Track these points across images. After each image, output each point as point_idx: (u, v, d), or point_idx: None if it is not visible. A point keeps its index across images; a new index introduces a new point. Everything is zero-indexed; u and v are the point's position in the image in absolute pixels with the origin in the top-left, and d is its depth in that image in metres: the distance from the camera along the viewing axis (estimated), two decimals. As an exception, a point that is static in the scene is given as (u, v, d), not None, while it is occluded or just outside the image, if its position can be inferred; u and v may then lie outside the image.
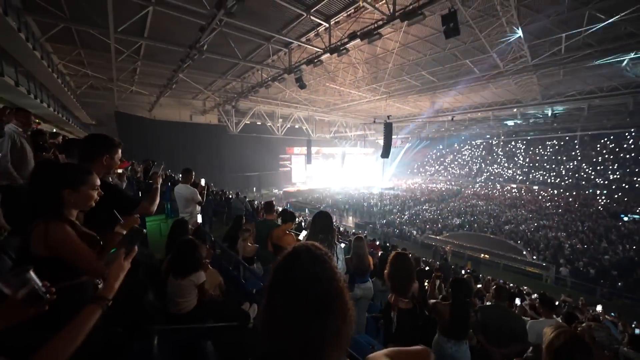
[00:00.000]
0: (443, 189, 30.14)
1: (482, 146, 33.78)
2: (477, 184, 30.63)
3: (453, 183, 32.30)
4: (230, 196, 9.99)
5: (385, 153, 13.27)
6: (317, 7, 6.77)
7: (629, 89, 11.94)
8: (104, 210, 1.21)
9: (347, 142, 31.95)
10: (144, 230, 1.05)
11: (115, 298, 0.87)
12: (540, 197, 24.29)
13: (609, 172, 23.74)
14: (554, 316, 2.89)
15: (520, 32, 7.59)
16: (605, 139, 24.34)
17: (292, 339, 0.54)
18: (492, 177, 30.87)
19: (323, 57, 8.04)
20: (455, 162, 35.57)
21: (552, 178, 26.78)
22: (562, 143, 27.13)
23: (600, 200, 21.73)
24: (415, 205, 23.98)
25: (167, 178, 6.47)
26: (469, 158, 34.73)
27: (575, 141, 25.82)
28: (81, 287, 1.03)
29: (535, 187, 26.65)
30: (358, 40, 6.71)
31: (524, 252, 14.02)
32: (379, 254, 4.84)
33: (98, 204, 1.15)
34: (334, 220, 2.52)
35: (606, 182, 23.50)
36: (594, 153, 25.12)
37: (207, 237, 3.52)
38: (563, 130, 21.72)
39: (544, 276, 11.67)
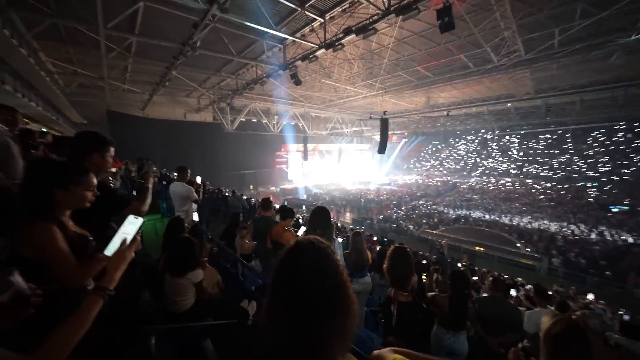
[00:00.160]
0: (439, 183, 30.42)
1: (477, 141, 34.06)
2: (473, 178, 30.97)
3: (449, 178, 32.61)
4: (227, 194, 9.94)
5: (382, 149, 13.29)
6: (311, 2, 6.69)
7: (620, 83, 12.12)
8: (93, 210, 1.18)
9: (343, 138, 31.92)
10: (144, 220, 1.03)
11: (111, 298, 0.85)
12: (533, 190, 24.70)
13: (600, 165, 24.24)
14: (548, 306, 2.96)
15: (514, 26, 7.62)
16: (597, 132, 24.74)
17: (297, 333, 0.54)
18: (487, 172, 31.24)
19: (318, 53, 7.97)
20: (451, 157, 35.87)
21: (545, 171, 27.24)
22: (554, 137, 27.51)
23: (591, 193, 22.20)
24: (411, 200, 24.17)
25: (163, 176, 6.40)
26: (464, 153, 35.03)
27: (568, 135, 26.20)
28: (71, 291, 0.99)
29: (529, 181, 27.08)
30: (353, 36, 6.66)
31: (518, 245, 14.26)
32: (377, 249, 4.88)
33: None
34: (331, 216, 2.52)
35: (597, 174, 24.00)
36: (585, 146, 25.56)
37: (204, 235, 3.50)
38: (556, 124, 22.04)
39: (537, 267, 11.91)
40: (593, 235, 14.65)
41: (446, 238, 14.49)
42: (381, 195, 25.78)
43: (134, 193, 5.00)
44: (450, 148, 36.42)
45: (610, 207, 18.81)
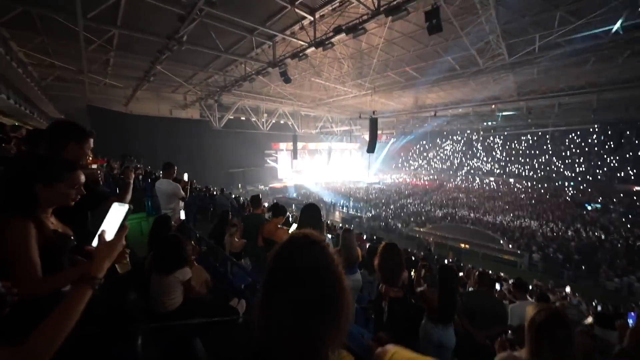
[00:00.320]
0: (426, 183, 31.12)
1: (462, 141, 35.06)
2: (458, 178, 31.90)
3: (435, 177, 33.42)
4: (215, 193, 9.74)
5: (371, 148, 13.44)
6: (301, 0, 6.66)
7: (594, 88, 12.82)
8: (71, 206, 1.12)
9: (333, 137, 32.01)
10: (130, 207, 0.99)
11: (94, 298, 0.81)
12: (515, 189, 25.74)
13: (576, 165, 25.61)
14: (528, 298, 3.09)
15: (498, 31, 7.89)
16: (573, 135, 26.08)
17: (292, 328, 0.53)
18: (472, 171, 32.25)
19: (308, 51, 7.95)
20: (438, 157, 36.77)
21: (526, 171, 28.48)
22: (535, 138, 28.76)
23: (568, 192, 23.40)
24: (400, 199, 24.60)
25: (148, 174, 6.20)
26: (450, 153, 35.99)
27: (547, 136, 27.44)
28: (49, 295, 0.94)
29: (511, 180, 28.21)
30: (343, 35, 6.68)
31: (501, 241, 14.83)
32: (367, 246, 4.93)
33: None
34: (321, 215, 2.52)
35: (573, 174, 25.35)
36: (562, 147, 26.90)
37: (191, 234, 3.42)
38: (536, 126, 23.05)
39: (518, 263, 12.42)
40: (570, 232, 15.45)
41: (433, 235, 14.85)
42: (370, 194, 26.07)
43: (118, 191, 4.82)
44: (437, 148, 37.31)
45: (585, 204, 19.89)
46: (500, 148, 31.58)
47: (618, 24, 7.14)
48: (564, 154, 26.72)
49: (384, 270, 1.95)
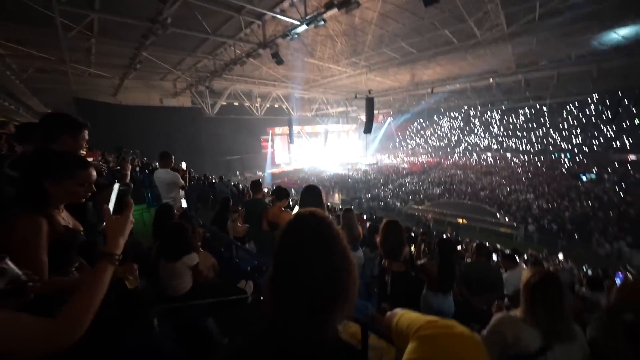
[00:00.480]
0: (424, 161, 31.16)
1: (459, 117, 34.70)
2: (456, 155, 31.92)
3: (433, 155, 33.42)
4: (214, 181, 9.74)
5: (368, 128, 13.29)
6: (289, -28, 6.27)
7: (595, 56, 12.50)
8: None
9: (329, 119, 31.51)
10: (120, 184, 1.01)
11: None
12: (512, 164, 25.88)
13: (573, 137, 25.61)
14: (523, 265, 3.23)
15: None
16: (570, 106, 25.81)
17: (303, 301, 0.55)
18: (470, 147, 32.22)
19: (299, 30, 7.60)
20: (435, 135, 36.54)
21: (524, 145, 28.48)
22: (533, 111, 28.46)
23: (564, 164, 23.58)
24: (398, 179, 24.75)
25: (144, 165, 6.15)
26: (447, 130, 35.73)
27: (545, 109, 27.15)
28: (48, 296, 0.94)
29: (508, 155, 28.28)
30: (335, 10, 6.36)
31: (498, 215, 15.15)
32: (368, 225, 5.03)
33: None
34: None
35: (570, 146, 25.41)
36: (560, 120, 26.73)
37: (194, 221, 3.46)
38: (534, 99, 22.74)
39: (514, 235, 12.78)
40: (564, 203, 15.78)
41: (431, 212, 15.13)
42: (369, 175, 26.17)
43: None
44: (435, 125, 36.97)
45: (580, 175, 20.14)
46: (498, 123, 31.34)
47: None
48: (561, 126, 26.61)
49: (386, 246, 2.01)
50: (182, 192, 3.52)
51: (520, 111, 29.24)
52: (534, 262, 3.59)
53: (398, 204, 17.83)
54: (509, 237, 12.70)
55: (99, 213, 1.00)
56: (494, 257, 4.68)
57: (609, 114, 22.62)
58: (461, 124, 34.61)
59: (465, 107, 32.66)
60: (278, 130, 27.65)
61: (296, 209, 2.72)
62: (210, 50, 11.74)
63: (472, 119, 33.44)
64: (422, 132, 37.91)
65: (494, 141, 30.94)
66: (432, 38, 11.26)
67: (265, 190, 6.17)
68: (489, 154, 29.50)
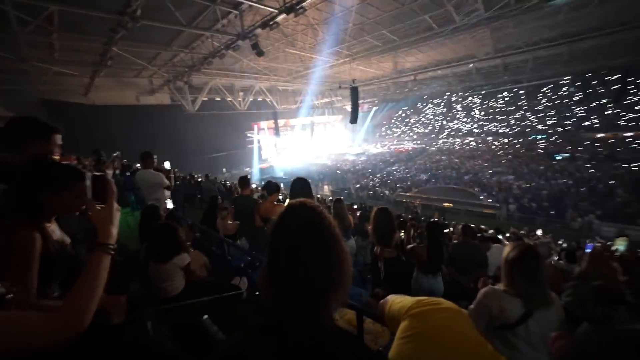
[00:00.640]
0: (409, 149, 31.71)
1: (442, 104, 35.33)
2: (440, 141, 32.68)
3: (418, 142, 34.06)
4: (200, 179, 9.52)
5: (354, 118, 13.31)
6: (265, -42, 6.03)
7: (565, 39, 12.98)
8: None
9: (314, 111, 31.24)
10: (102, 153, 0.97)
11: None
12: (493, 147, 26.83)
13: (547, 119, 26.79)
14: (506, 242, 3.40)
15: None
16: (545, 89, 26.86)
17: (299, 290, 0.56)
18: (453, 133, 33.03)
19: (279, 19, 7.38)
20: (420, 122, 37.13)
21: (503, 128, 29.53)
22: (511, 95, 29.40)
23: (540, 144, 24.70)
24: (385, 167, 25.11)
25: (125, 167, 5.91)
26: (431, 116, 36.37)
27: (522, 92, 28.10)
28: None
29: (489, 138, 29.26)
30: (315, -3, 6.22)
31: (481, 197, 15.77)
32: (358, 214, 5.11)
33: None
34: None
35: (545, 127, 26.60)
36: (535, 102, 27.82)
37: (182, 222, 3.39)
38: (512, 83, 23.48)
39: (497, 215, 13.40)
40: (542, 182, 16.63)
41: (419, 199, 15.54)
42: (357, 165, 26.38)
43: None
44: (419, 113, 37.52)
45: (555, 155, 21.21)
46: (479, 107, 32.20)
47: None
48: (537, 108, 27.71)
49: (378, 233, 2.06)
50: (167, 193, 3.42)
51: (499, 95, 30.13)
52: (515, 240, 3.81)
53: (387, 192, 18.16)
54: (492, 217, 13.30)
55: (82, 220, 0.96)
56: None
57: (580, 95, 23.77)
58: (444, 109, 35.30)
59: (448, 93, 33.35)
60: (263, 124, 27.16)
61: (287, 202, 2.72)
62: (186, 43, 11.22)
63: (454, 105, 34.16)
64: (407, 120, 38.41)
65: (475, 126, 31.85)
66: (413, 24, 11.28)
67: (254, 185, 6.10)
68: (471, 139, 30.39)
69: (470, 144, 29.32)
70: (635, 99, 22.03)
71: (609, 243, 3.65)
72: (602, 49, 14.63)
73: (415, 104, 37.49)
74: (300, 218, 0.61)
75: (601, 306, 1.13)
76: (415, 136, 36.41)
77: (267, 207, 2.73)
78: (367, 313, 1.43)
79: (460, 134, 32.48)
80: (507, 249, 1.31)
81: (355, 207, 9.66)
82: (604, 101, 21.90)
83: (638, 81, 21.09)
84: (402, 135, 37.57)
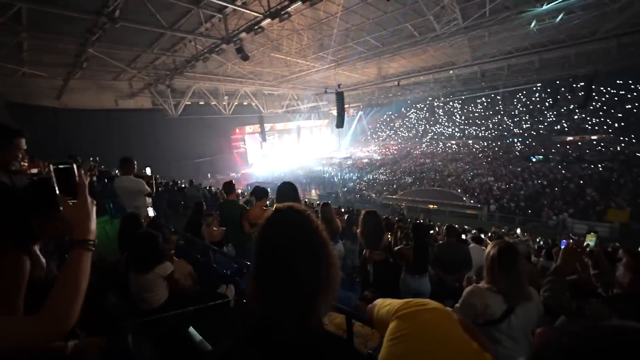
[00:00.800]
0: (395, 152, 32.42)
1: (425, 108, 36.52)
2: (424, 144, 33.69)
3: (403, 145, 34.93)
4: (184, 185, 9.24)
5: (340, 122, 13.45)
6: (249, -37, 6.04)
7: (535, 49, 13.90)
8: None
9: (300, 115, 31.32)
10: (78, 159, 0.90)
11: None
12: (474, 150, 27.97)
13: (523, 123, 28.38)
14: (488, 241, 3.53)
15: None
16: (520, 94, 28.48)
17: (287, 294, 0.55)
18: (436, 137, 34.17)
19: (263, 23, 7.38)
20: (404, 126, 38.14)
21: (483, 132, 30.94)
22: (489, 100, 30.90)
23: (516, 147, 26.05)
24: (372, 170, 25.49)
25: (103, 173, 5.63)
26: (415, 121, 37.47)
27: (498, 98, 29.62)
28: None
29: (470, 142, 30.51)
30: (300, 4, 6.28)
31: (464, 198, 16.34)
32: (346, 218, 5.13)
33: None
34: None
35: (521, 131, 28.14)
36: (512, 107, 29.42)
37: (165, 230, 3.27)
38: (489, 89, 24.74)
39: (479, 215, 13.90)
40: (519, 183, 17.48)
41: (405, 201, 15.86)
42: (343, 169, 26.59)
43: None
44: (403, 118, 38.55)
45: (531, 157, 22.41)
46: (460, 112, 33.56)
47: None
48: (513, 113, 29.30)
49: (366, 236, 2.07)
50: (148, 200, 3.29)
51: (478, 100, 31.57)
52: (496, 239, 4.01)
53: (373, 195, 18.41)
54: (475, 218, 13.79)
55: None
56: (464, 237, 5.09)
57: (550, 100, 25.36)
58: (427, 114, 36.51)
59: (430, 98, 34.56)
60: (249, 129, 26.85)
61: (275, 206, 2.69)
62: (168, 46, 10.96)
63: (437, 110, 35.41)
64: (392, 124, 39.34)
65: (456, 130, 33.14)
66: (396, 32, 11.65)
67: (239, 190, 5.99)
68: (453, 142, 31.56)
69: (452, 147, 30.42)
70: (599, 104, 23.87)
71: (581, 239, 3.89)
72: (569, 59, 15.77)
73: (400, 108, 38.53)
74: (288, 222, 0.61)
75: (576, 299, 1.20)
76: (399, 139, 37.35)
77: (255, 213, 2.68)
78: (356, 316, 1.43)
79: (442, 137, 33.66)
80: (489, 247, 1.37)
81: (342, 210, 9.71)
82: (572, 107, 23.47)
83: (601, 88, 22.84)
84: (387, 139, 38.43)
